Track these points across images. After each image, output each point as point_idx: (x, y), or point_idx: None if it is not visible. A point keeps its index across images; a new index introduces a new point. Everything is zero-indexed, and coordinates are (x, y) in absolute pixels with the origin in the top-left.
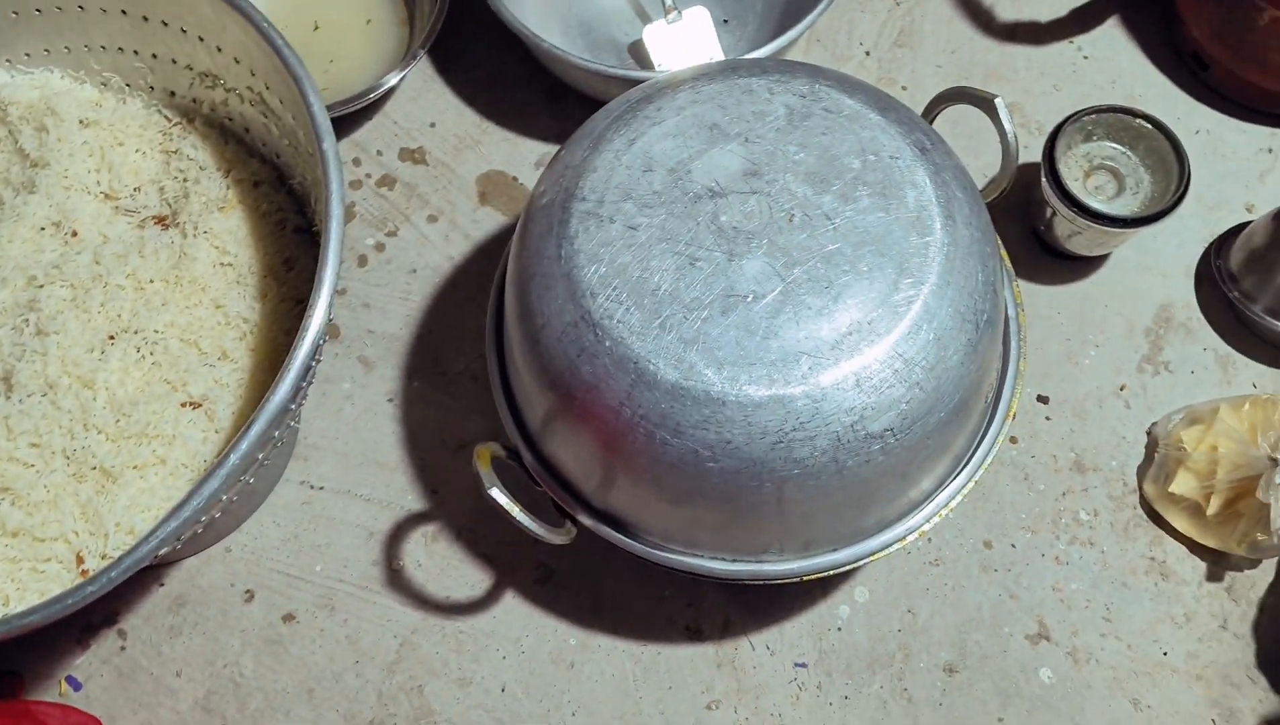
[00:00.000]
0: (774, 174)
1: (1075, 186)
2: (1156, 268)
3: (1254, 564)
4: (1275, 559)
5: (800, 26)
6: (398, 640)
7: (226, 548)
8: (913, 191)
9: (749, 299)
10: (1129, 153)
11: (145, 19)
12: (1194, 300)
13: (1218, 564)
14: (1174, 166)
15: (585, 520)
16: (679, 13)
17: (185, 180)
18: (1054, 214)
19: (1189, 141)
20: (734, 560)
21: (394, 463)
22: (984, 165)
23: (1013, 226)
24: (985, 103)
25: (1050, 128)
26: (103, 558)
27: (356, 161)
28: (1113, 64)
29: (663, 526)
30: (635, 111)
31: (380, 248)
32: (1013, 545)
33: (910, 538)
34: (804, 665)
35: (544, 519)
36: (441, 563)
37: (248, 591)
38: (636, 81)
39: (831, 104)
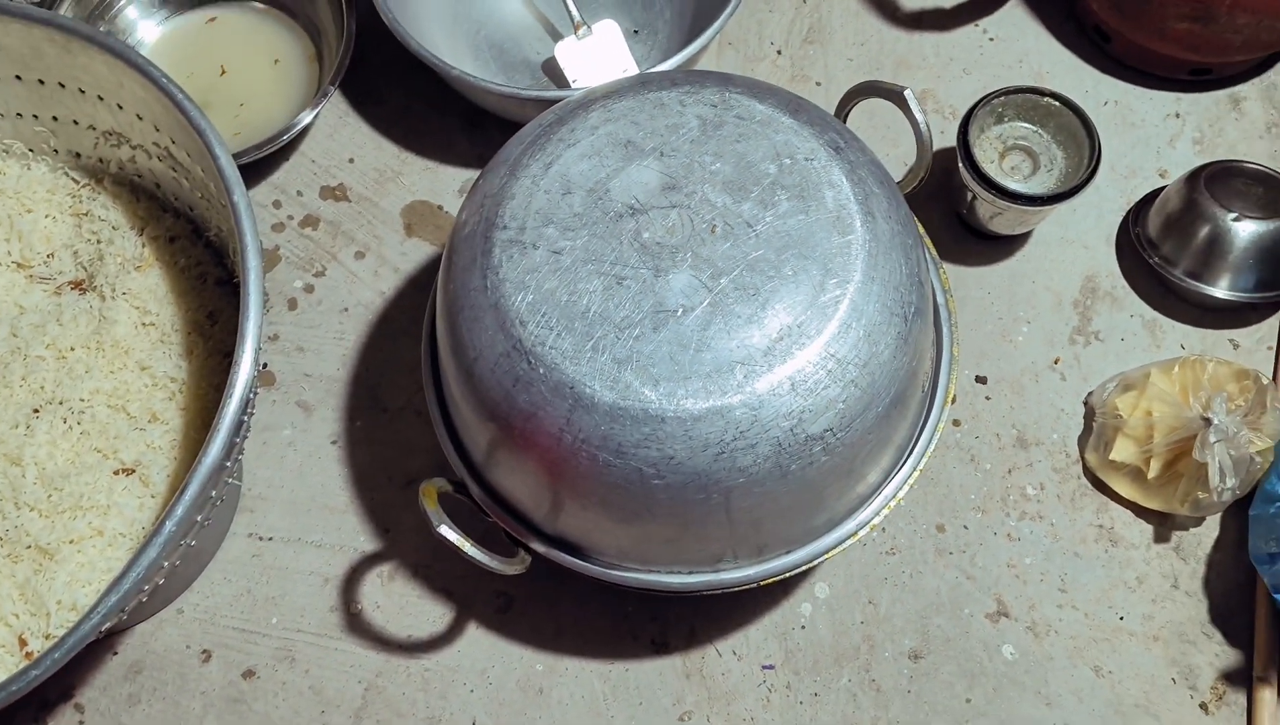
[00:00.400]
0: (692, 186)
1: (991, 169)
2: (1079, 240)
3: (1198, 522)
4: (1218, 515)
5: (710, 32)
6: (362, 685)
7: (178, 609)
8: (830, 191)
9: (679, 313)
10: (1040, 131)
11: (41, 82)
12: (1117, 269)
13: (1164, 525)
14: (1085, 141)
15: (538, 548)
16: (588, 28)
17: (99, 242)
18: (974, 197)
19: (1098, 113)
20: (690, 572)
21: (343, 505)
22: (902, 154)
23: (936, 212)
24: (895, 95)
25: (963, 111)
26: (46, 638)
27: (277, 204)
28: (1018, 43)
29: (616, 546)
30: (549, 135)
31: (309, 289)
32: (965, 527)
33: (862, 532)
34: (771, 667)
35: (498, 549)
36: (400, 602)
37: (204, 651)
38: (551, 101)
39: (743, 111)
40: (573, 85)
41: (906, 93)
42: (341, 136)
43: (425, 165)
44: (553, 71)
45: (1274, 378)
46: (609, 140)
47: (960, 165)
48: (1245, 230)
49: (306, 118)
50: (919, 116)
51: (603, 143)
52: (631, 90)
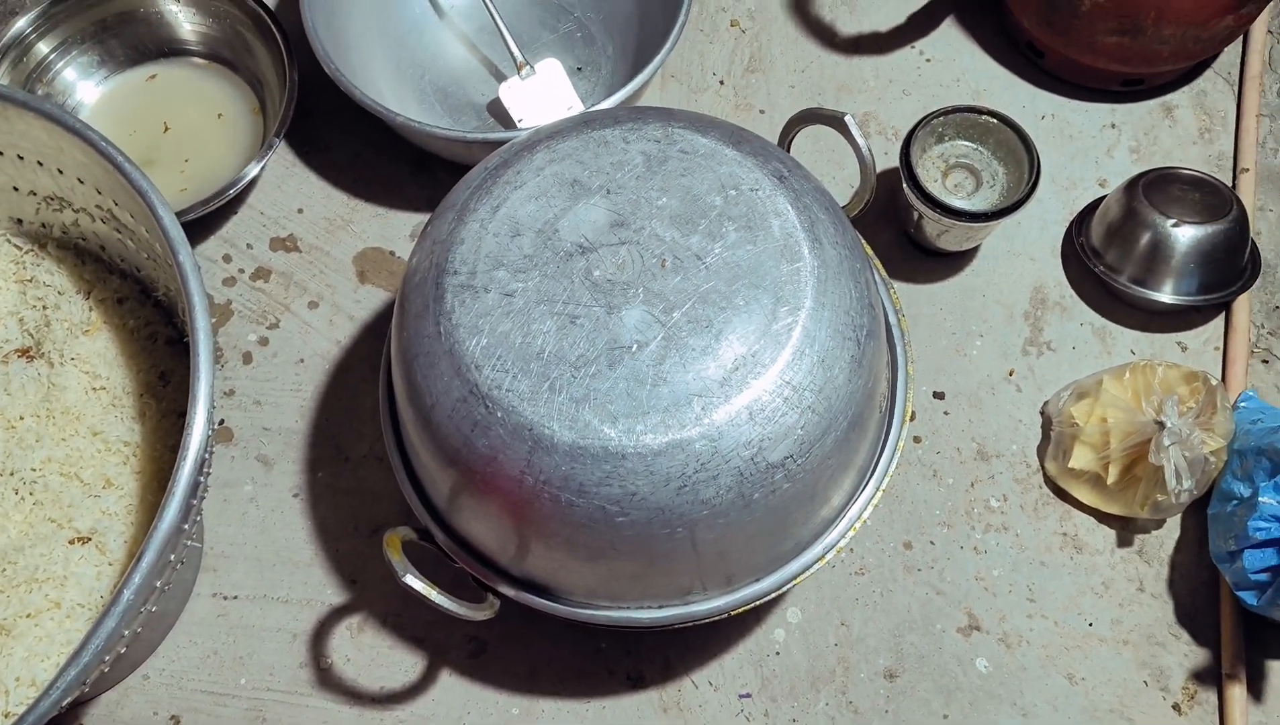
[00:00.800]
0: (640, 222)
1: (935, 188)
2: (1025, 253)
3: (1159, 524)
4: (1178, 516)
5: (652, 66)
6: None
7: (144, 675)
8: (777, 220)
9: (633, 349)
10: (980, 148)
11: None
12: (1064, 278)
13: (1126, 529)
14: (1024, 156)
15: (507, 591)
16: (531, 67)
17: (45, 308)
18: (920, 216)
19: (1036, 126)
20: (660, 606)
21: (308, 559)
22: (848, 176)
23: (884, 232)
24: (836, 121)
25: (905, 132)
26: (5, 716)
27: (227, 258)
28: (955, 63)
29: (584, 584)
30: (495, 178)
31: (264, 342)
32: (931, 542)
33: (830, 555)
34: (748, 695)
35: (466, 594)
36: (371, 653)
37: (173, 718)
38: (497, 143)
39: (687, 145)
40: (519, 125)
41: (847, 118)
42: (289, 187)
43: (375, 211)
44: (498, 112)
45: (1222, 378)
46: (555, 180)
47: (904, 185)
48: (1185, 235)
49: (253, 170)
50: (860, 141)
51: (549, 183)
52: (575, 130)
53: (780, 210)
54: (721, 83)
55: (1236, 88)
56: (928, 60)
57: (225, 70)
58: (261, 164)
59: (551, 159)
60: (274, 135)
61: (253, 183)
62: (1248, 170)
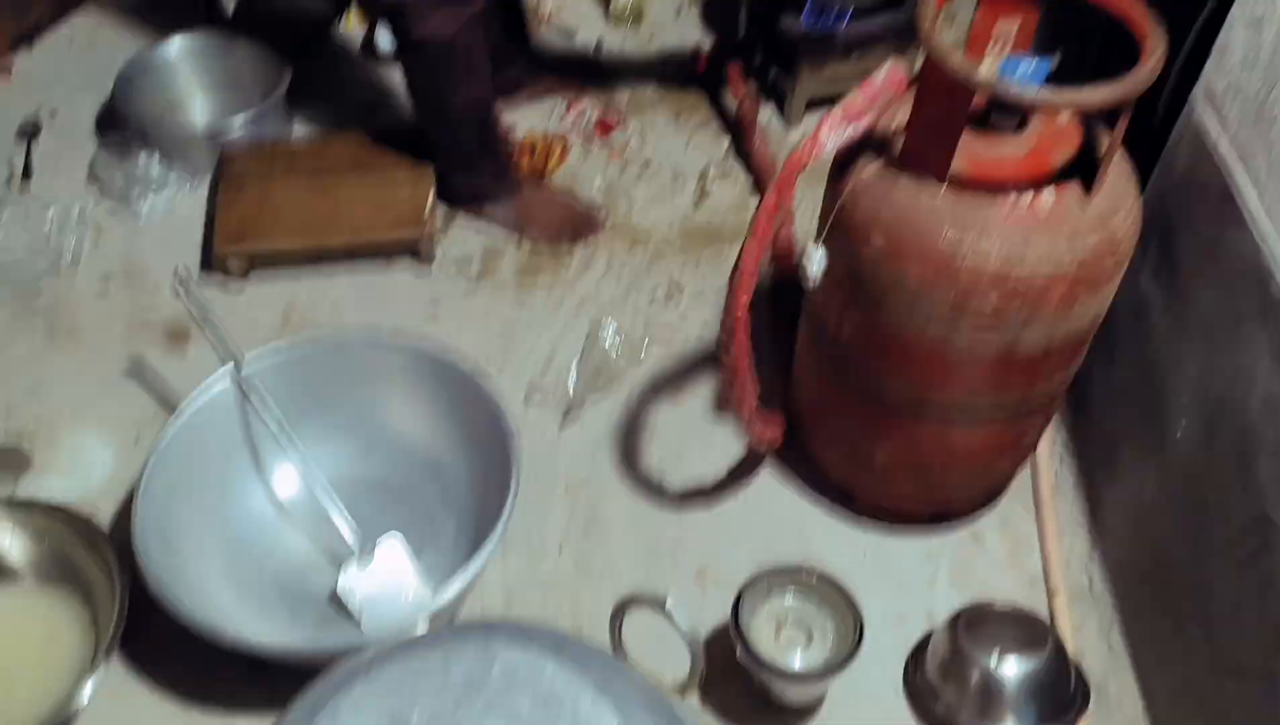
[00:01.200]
0: None
1: (768, 648)
2: (870, 693)
3: None
4: None
5: (486, 549)
6: None
7: None
8: None
9: None
10: (807, 602)
11: None
12: (910, 716)
13: None
14: (848, 608)
15: None
16: (370, 553)
17: None
18: (766, 677)
19: (859, 563)
20: None
21: None
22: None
23: (733, 686)
24: (658, 607)
25: (739, 582)
26: None
27: None
28: (777, 507)
29: None
30: (311, 720)
31: None
32: None
33: None
34: None
35: None
36: None
37: None
38: (327, 653)
39: (507, 662)
40: (357, 611)
41: (667, 607)
42: (123, 704)
43: (210, 720)
44: (340, 600)
45: None
46: (375, 716)
47: (739, 651)
48: (1010, 671)
49: (83, 695)
50: (682, 627)
51: (368, 721)
52: (393, 657)
53: (605, 721)
54: (560, 550)
55: (1034, 512)
56: (752, 508)
57: (56, 589)
58: (91, 683)
59: (370, 692)
60: (104, 654)
61: (85, 704)
62: (1058, 592)
